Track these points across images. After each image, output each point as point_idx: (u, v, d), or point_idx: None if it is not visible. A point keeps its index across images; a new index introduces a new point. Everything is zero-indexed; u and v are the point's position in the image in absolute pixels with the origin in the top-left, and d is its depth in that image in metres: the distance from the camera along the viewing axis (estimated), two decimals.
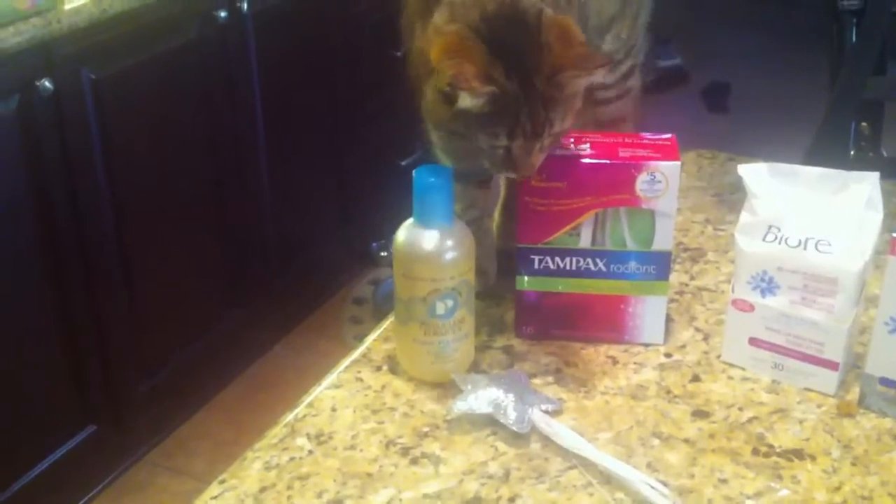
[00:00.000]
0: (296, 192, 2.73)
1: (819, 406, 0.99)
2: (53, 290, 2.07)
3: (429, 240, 0.97)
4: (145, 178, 2.23)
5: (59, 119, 1.98)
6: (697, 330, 1.11)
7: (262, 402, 2.53)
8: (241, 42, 2.43)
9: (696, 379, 1.03)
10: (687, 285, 1.19)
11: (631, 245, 1.04)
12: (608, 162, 1.01)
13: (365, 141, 2.92)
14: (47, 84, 1.92)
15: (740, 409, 0.99)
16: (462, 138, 1.02)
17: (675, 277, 1.19)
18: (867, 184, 0.99)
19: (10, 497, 2.07)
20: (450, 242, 0.97)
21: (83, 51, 2.01)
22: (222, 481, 0.90)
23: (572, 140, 1.04)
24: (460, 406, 0.96)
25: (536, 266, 1.05)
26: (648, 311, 1.07)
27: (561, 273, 1.06)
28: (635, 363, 1.06)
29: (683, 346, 1.08)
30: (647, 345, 1.08)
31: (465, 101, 0.96)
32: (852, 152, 2.15)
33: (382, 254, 3.09)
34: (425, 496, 0.88)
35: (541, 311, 1.08)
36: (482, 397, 0.96)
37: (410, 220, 0.98)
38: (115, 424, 2.30)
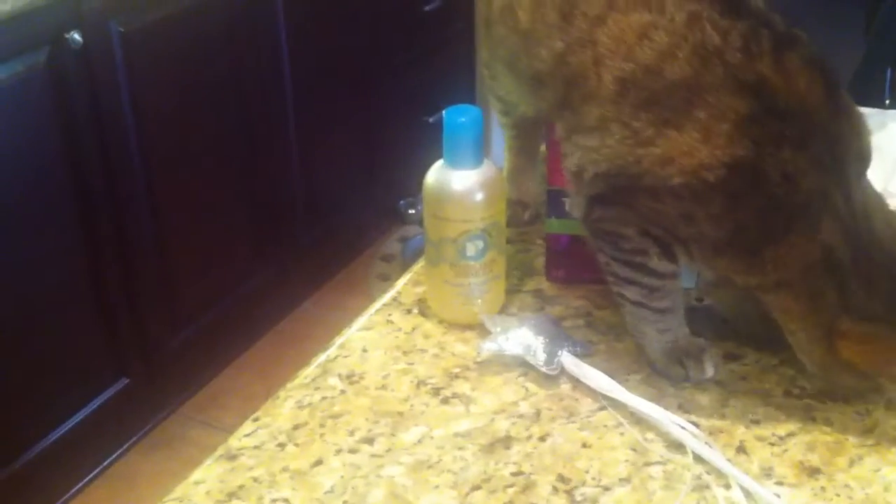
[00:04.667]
0: (324, 148, 2.73)
1: None
2: (85, 243, 2.08)
3: (459, 181, 0.96)
4: (174, 132, 2.23)
5: (88, 71, 1.98)
6: None
7: (292, 357, 2.54)
8: None
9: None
10: None
11: None
12: None
13: (393, 97, 2.91)
14: (76, 37, 1.92)
15: (773, 351, 0.98)
16: None
17: None
18: None
19: (44, 450, 2.10)
20: (480, 183, 0.96)
21: (111, 4, 2.01)
22: (255, 419, 0.90)
23: None
24: (490, 347, 0.96)
25: (567, 208, 1.04)
26: None
27: None
28: None
29: None
30: None
31: None
32: (888, 100, 2.11)
33: (410, 211, 3.08)
34: (456, 434, 0.88)
35: (571, 255, 1.07)
36: (512, 339, 0.96)
37: (440, 162, 0.98)
38: (147, 378, 2.32)
